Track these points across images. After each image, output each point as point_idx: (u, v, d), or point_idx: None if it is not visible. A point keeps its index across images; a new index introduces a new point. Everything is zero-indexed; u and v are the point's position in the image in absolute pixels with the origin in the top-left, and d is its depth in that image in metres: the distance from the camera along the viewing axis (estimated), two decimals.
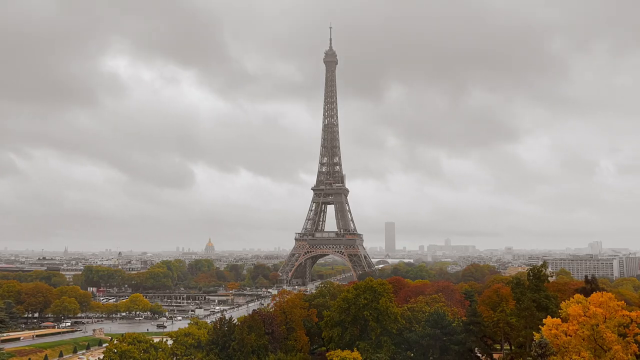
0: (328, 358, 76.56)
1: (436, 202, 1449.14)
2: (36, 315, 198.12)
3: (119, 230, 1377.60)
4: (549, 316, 59.36)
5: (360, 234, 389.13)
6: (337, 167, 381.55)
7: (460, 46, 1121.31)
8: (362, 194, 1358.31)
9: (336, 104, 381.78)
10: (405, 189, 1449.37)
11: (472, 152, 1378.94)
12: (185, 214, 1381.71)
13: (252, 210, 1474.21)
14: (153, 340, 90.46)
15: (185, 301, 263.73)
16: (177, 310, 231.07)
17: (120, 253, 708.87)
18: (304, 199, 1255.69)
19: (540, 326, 57.34)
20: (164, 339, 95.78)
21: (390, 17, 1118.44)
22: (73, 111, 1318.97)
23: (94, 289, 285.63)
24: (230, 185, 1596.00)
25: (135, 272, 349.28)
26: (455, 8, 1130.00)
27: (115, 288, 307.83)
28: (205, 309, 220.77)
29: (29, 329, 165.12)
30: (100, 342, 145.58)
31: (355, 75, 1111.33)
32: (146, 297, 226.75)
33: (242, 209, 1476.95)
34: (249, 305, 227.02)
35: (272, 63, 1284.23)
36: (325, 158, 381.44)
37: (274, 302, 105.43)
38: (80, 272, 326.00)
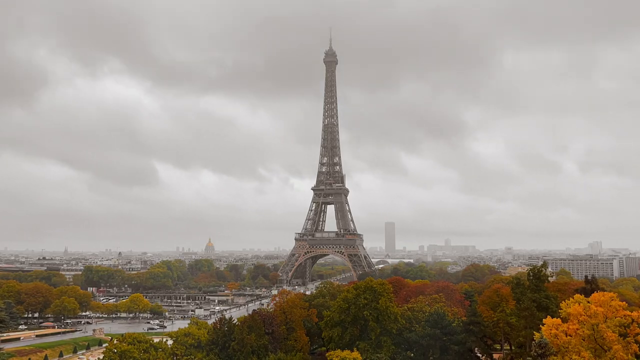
0: (328, 358, 76.49)
1: (411, 202, 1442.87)
2: (36, 315, 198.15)
3: (104, 230, 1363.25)
4: (549, 316, 59.33)
5: (360, 234, 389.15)
6: (337, 167, 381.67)
7: (391, 42, 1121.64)
8: None
9: (336, 104, 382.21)
10: (374, 187, 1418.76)
11: (429, 150, 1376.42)
12: (168, 213, 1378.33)
13: (235, 210, 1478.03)
14: (153, 340, 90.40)
15: (185, 301, 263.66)
16: (177, 310, 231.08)
17: (120, 253, 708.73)
18: (280, 197, 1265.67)
19: (540, 326, 57.33)
20: (164, 339, 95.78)
21: (318, 13, 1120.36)
22: (11, 106, 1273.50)
23: (94, 289, 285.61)
24: (199, 184, 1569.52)
25: (135, 272, 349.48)
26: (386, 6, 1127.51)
27: (115, 288, 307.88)
28: (205, 309, 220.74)
29: (29, 329, 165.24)
30: (100, 342, 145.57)
31: (290, 71, 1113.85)
32: (146, 297, 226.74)
33: (224, 209, 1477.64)
34: (249, 305, 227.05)
35: (206, 58, 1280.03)
36: (325, 158, 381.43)
37: (274, 302, 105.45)
38: (80, 272, 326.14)
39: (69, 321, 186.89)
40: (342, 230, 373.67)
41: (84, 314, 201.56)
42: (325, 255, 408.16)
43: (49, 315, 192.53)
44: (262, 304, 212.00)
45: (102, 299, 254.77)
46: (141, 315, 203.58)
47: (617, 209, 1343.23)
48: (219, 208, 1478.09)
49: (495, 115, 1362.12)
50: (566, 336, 53.91)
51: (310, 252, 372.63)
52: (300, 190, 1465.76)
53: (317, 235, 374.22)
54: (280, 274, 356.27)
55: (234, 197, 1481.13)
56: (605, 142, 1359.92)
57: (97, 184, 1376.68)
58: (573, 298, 60.13)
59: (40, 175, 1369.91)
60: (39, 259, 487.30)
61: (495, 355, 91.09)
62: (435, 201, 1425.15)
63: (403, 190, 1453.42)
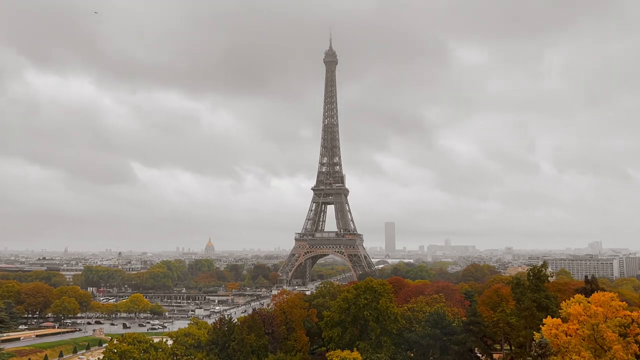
0: (328, 358, 76.47)
1: (397, 201, 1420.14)
2: (36, 315, 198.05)
3: (97, 229, 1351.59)
4: (549, 316, 59.32)
5: (360, 234, 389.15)
6: (337, 167, 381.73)
7: (353, 38, 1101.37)
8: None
9: (336, 104, 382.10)
10: (353, 187, 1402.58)
11: (399, 148, 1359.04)
12: (155, 213, 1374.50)
13: (220, 209, 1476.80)
14: (153, 340, 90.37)
15: (185, 301, 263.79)
16: (177, 310, 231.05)
17: (120, 253, 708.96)
18: (260, 195, 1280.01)
19: (540, 326, 57.31)
20: (164, 339, 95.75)
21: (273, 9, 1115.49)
22: None
23: (94, 289, 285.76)
24: (178, 183, 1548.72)
25: (135, 272, 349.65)
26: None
27: (115, 288, 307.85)
28: (205, 309, 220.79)
29: (29, 329, 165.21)
30: (100, 342, 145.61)
31: (253, 69, 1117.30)
32: (146, 297, 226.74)
33: (209, 209, 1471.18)
34: (249, 305, 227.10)
35: (163, 55, 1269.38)
36: (325, 158, 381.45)
37: (274, 302, 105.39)
38: (80, 272, 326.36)
39: (68, 321, 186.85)
40: (342, 230, 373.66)
41: (81, 315, 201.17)
42: (325, 255, 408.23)
43: (49, 315, 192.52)
44: (262, 304, 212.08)
45: (102, 299, 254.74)
46: (141, 315, 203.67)
47: (606, 208, 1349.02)
48: (204, 207, 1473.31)
49: (459, 113, 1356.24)
50: (566, 336, 53.90)
51: (311, 252, 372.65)
52: (280, 189, 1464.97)
53: (317, 235, 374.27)
54: (280, 274, 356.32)
55: (216, 197, 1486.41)
56: (570, 141, 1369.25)
57: (72, 183, 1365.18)
58: (573, 298, 60.11)
59: (15, 175, 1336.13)
60: (39, 259, 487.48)
61: (495, 355, 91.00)
62: (419, 200, 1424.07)
63: (385, 190, 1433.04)
